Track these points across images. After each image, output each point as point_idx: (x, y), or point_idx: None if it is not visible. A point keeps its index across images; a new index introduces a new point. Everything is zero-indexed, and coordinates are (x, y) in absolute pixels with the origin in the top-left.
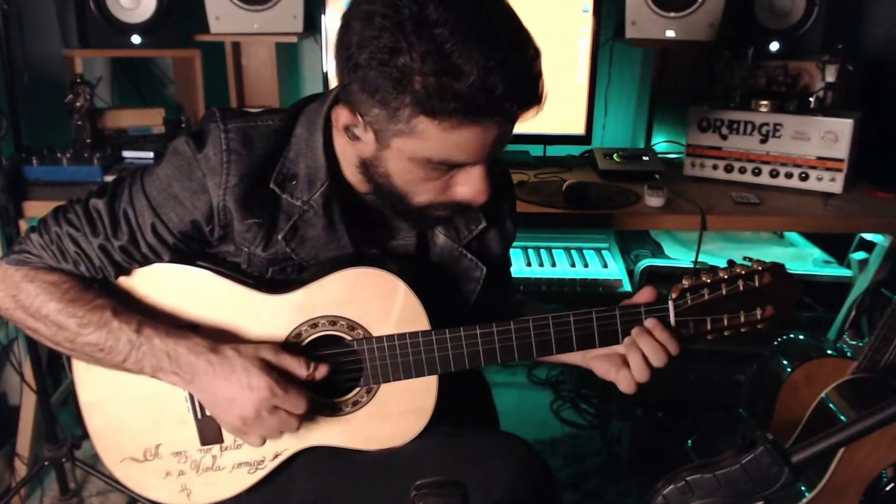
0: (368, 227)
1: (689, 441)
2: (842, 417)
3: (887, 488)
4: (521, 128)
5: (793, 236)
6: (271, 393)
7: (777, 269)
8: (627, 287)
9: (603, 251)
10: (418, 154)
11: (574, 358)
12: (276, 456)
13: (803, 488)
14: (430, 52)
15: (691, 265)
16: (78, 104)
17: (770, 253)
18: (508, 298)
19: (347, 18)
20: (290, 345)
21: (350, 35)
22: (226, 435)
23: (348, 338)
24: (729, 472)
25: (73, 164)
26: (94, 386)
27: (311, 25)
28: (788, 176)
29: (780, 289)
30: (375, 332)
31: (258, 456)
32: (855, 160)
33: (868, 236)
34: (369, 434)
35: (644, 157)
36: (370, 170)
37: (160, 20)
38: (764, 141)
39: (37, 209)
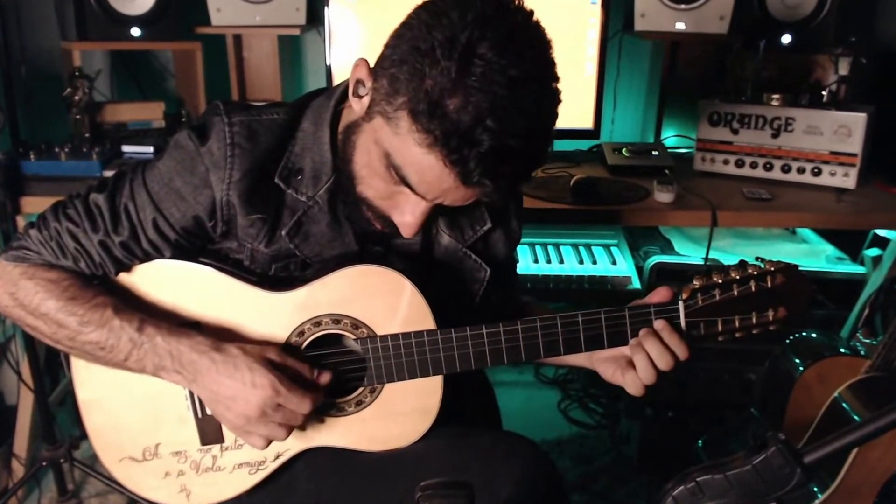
0: (374, 224)
1: (700, 441)
2: (855, 417)
3: None
4: None
5: (805, 232)
6: (275, 391)
7: (790, 270)
8: (636, 284)
9: (611, 248)
10: (383, 143)
11: (580, 360)
12: (277, 456)
13: (816, 489)
14: (455, 74)
15: (702, 262)
16: (76, 98)
17: (782, 249)
18: (514, 299)
19: (426, 7)
20: (293, 349)
21: (419, 19)
22: (226, 435)
23: (352, 337)
24: (740, 473)
25: (71, 159)
26: (93, 384)
27: (314, 18)
28: (801, 171)
29: (793, 290)
30: (380, 332)
31: (259, 456)
32: (868, 155)
33: (882, 232)
34: (373, 434)
35: (654, 152)
36: (347, 137)
37: (160, 12)
38: (776, 135)
39: (35, 205)
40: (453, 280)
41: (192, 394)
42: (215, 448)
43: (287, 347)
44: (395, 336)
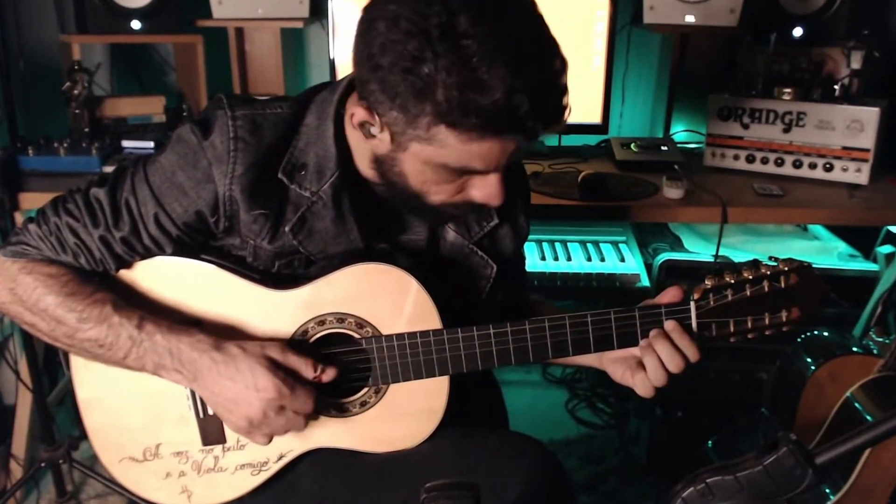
0: (379, 220)
1: (710, 442)
2: (868, 417)
3: None
4: None
5: (817, 229)
6: (278, 394)
7: (804, 269)
8: (645, 282)
9: (620, 244)
10: (435, 160)
11: (589, 360)
12: (280, 457)
13: (828, 490)
14: (455, 65)
15: (712, 259)
16: (75, 92)
17: (793, 246)
18: (522, 297)
19: (372, 16)
20: (297, 343)
21: (373, 34)
22: (228, 435)
23: (357, 336)
24: (751, 474)
25: (70, 155)
26: (92, 383)
27: (318, 10)
28: (812, 166)
29: (807, 290)
30: (385, 331)
31: (262, 457)
32: (882, 150)
33: (895, 229)
34: (377, 435)
35: (663, 147)
36: (384, 166)
37: (161, 5)
38: (787, 130)
39: (33, 201)
40: (459, 276)
41: (193, 393)
42: (217, 448)
43: (292, 342)
44: (400, 336)
